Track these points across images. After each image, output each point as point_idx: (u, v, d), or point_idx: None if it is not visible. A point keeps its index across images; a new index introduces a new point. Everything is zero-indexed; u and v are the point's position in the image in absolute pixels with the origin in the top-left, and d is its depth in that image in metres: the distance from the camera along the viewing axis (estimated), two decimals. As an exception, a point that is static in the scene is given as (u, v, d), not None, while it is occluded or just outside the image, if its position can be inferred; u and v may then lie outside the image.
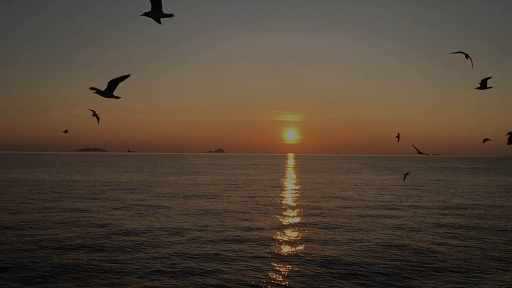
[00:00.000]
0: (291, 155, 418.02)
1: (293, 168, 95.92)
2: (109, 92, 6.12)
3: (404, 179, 16.23)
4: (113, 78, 5.95)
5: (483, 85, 10.70)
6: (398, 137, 13.35)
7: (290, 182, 49.28)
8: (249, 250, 14.65)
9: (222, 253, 14.13)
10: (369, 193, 35.19)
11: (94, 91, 5.98)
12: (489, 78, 11.35)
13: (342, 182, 48.20)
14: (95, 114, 11.23)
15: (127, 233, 17.32)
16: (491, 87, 10.82)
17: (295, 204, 27.41)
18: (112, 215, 22.08)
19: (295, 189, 39.02)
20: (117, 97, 6.27)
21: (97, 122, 11.27)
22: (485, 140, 13.09)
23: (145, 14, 6.12)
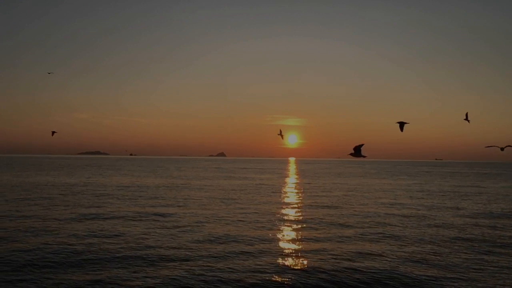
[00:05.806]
0: (292, 160, 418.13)
1: (309, 172, 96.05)
2: None
3: None
4: None
5: (401, 126, 12.73)
6: (489, 146, 13.68)
7: (320, 186, 49.34)
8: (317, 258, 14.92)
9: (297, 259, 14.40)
10: (404, 199, 35.33)
11: None
12: (404, 124, 13.67)
13: (366, 188, 48.44)
14: (280, 133, 11.82)
15: (194, 241, 17.57)
16: (408, 123, 13.40)
17: (344, 211, 27.53)
18: (163, 221, 22.27)
19: (328, 194, 39.00)
20: None
21: (281, 139, 11.74)
22: (506, 147, 14.02)
23: None
